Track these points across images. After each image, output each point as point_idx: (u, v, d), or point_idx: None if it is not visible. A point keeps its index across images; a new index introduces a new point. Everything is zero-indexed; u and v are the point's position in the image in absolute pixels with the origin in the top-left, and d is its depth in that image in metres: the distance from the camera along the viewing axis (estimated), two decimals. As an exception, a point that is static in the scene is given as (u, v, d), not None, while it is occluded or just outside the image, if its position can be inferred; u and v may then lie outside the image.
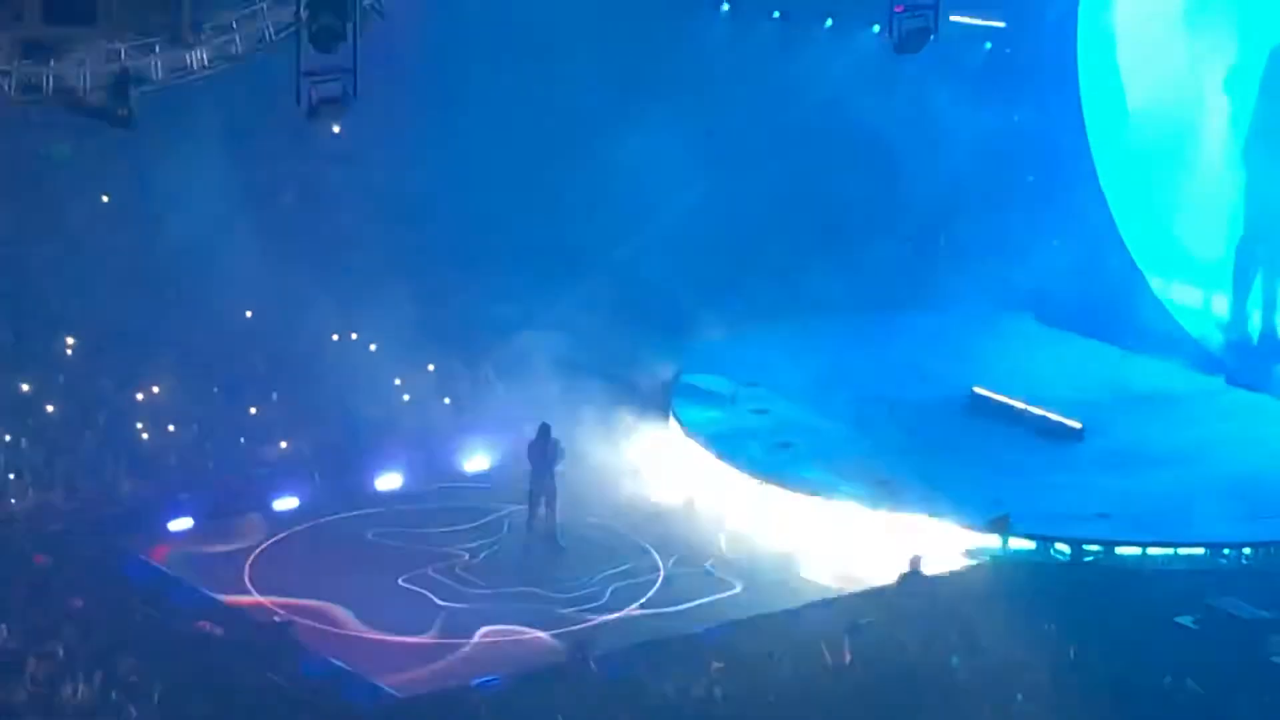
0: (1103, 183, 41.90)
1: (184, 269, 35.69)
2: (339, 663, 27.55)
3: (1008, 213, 42.10)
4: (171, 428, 34.02)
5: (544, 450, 31.99)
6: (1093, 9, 41.80)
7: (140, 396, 34.69)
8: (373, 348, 36.75)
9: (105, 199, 37.03)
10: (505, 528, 32.31)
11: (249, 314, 36.53)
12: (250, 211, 36.29)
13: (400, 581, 30.33)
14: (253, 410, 34.67)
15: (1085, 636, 28.27)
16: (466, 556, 31.25)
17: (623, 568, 31.07)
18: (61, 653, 26.22)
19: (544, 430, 32.09)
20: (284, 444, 33.97)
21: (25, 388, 34.35)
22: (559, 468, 32.02)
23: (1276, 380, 39.02)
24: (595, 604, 29.82)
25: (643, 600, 30.07)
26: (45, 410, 34.05)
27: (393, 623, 28.91)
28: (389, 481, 33.52)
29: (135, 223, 36.09)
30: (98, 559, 30.04)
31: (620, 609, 29.72)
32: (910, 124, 40.66)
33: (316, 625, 28.66)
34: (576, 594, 30.11)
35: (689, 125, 40.02)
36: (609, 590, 30.26)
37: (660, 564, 31.32)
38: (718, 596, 30.24)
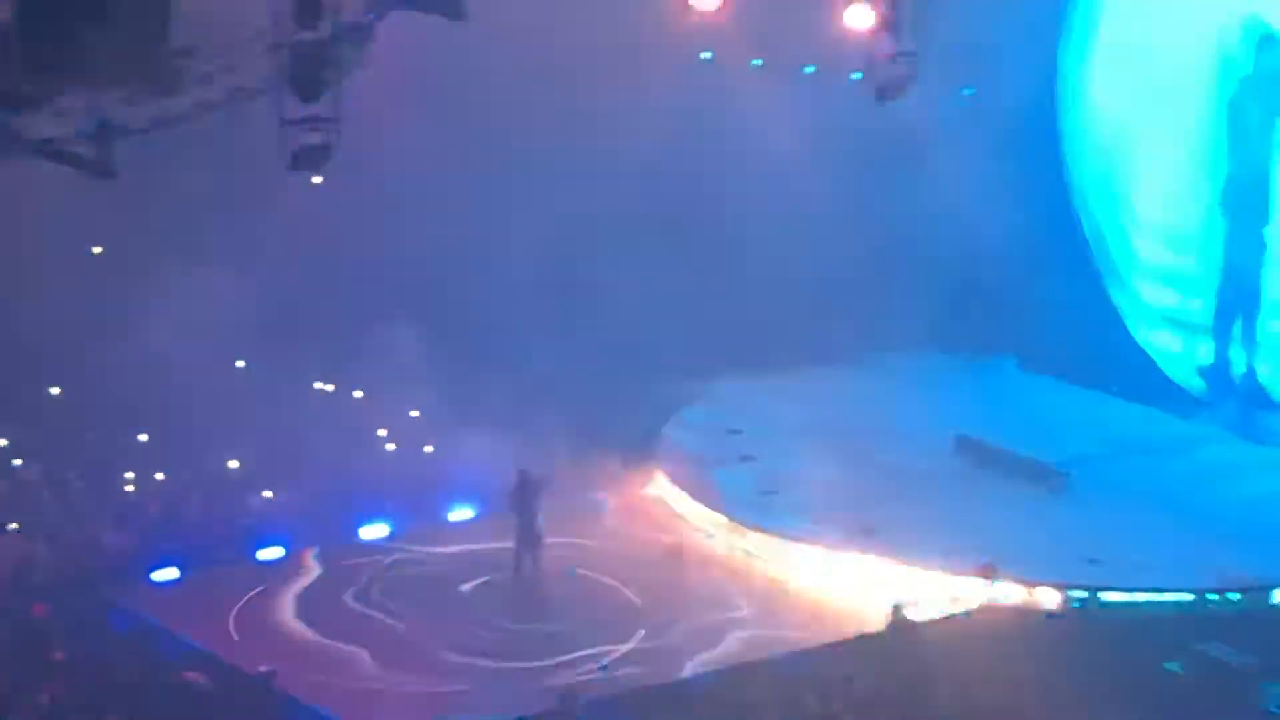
0: (1084, 228, 42.01)
1: (168, 318, 35.61)
2: (325, 712, 27.47)
3: (989, 258, 42.14)
4: (159, 476, 33.95)
5: (524, 498, 31.90)
6: (1074, 57, 41.96)
7: (124, 446, 34.61)
8: (358, 394, 36.71)
9: (97, 250, 36.98)
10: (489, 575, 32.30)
11: (240, 363, 36.48)
12: (233, 260, 36.26)
13: (387, 629, 30.29)
14: (237, 460, 34.58)
15: (1072, 683, 28.25)
16: (450, 605, 31.21)
17: (608, 615, 31.00)
18: (47, 704, 26.11)
19: (522, 477, 32.01)
20: (267, 493, 33.88)
21: (8, 437, 34.27)
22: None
23: (1258, 425, 39.04)
24: (581, 652, 29.73)
25: (628, 648, 29.99)
26: (28, 460, 33.96)
27: (377, 672, 28.84)
28: (374, 531, 33.45)
29: (119, 272, 36.04)
30: (82, 610, 29.95)
31: (606, 657, 29.63)
32: (891, 170, 40.71)
33: (301, 674, 28.58)
34: (562, 641, 30.02)
35: (672, 172, 40.07)
36: (594, 638, 30.17)
37: (646, 611, 31.24)
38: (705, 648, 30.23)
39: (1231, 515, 34.48)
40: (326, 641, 29.73)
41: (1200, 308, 40.82)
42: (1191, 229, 40.81)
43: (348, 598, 31.33)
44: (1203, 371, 40.74)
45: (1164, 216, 41.39)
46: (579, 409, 36.56)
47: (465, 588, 31.89)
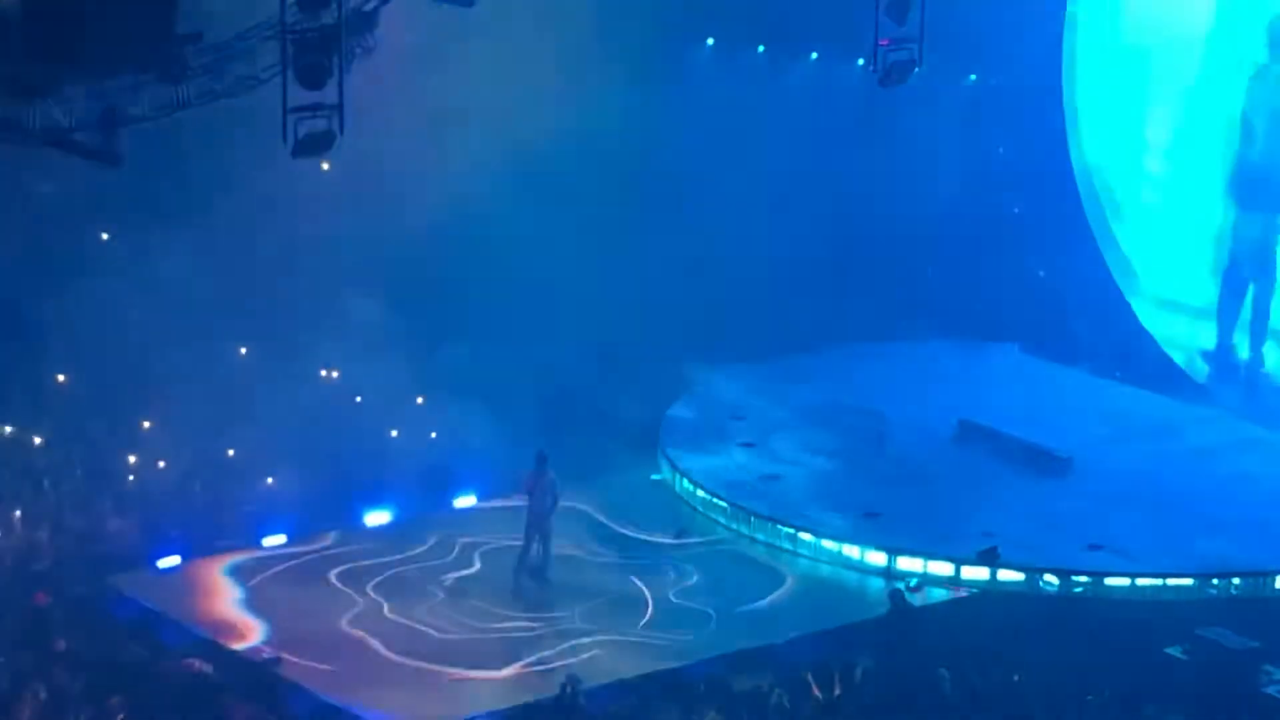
0: (1088, 214, 42.02)
1: (172, 305, 35.61)
2: (329, 699, 27.52)
3: (993, 244, 42.16)
4: (161, 464, 33.96)
5: (541, 481, 31.88)
6: (1078, 39, 41.95)
7: (128, 433, 34.62)
8: (359, 399, 36.67)
9: (105, 237, 36.92)
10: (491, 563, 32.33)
11: (243, 350, 36.47)
12: (239, 247, 36.25)
13: (387, 616, 30.33)
14: (242, 446, 34.58)
15: (1074, 668, 28.28)
16: (444, 595, 31.20)
17: (612, 601, 31.04)
18: (50, 692, 26.14)
19: (541, 459, 31.96)
20: (270, 480, 33.89)
21: (11, 424, 34.30)
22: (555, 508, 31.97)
23: (1263, 411, 39.01)
24: (584, 638, 29.77)
25: (632, 634, 30.01)
26: (32, 447, 33.98)
27: (381, 660, 28.88)
28: (378, 518, 33.49)
29: (126, 259, 36.01)
30: (86, 597, 29.98)
31: (609, 643, 29.67)
32: (896, 156, 40.70)
33: (307, 661, 28.62)
34: (565, 628, 30.07)
35: (673, 158, 40.05)
36: (597, 623, 30.22)
37: (649, 597, 31.30)
38: (706, 630, 30.25)
39: (1235, 500, 34.51)
40: (326, 629, 29.76)
41: (1204, 293, 40.83)
42: (1195, 215, 40.82)
43: (350, 586, 31.34)
44: (1207, 356, 40.77)
45: (1167, 202, 41.42)
46: (582, 395, 36.60)
47: (467, 574, 31.93)
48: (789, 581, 32.25)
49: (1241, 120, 39.94)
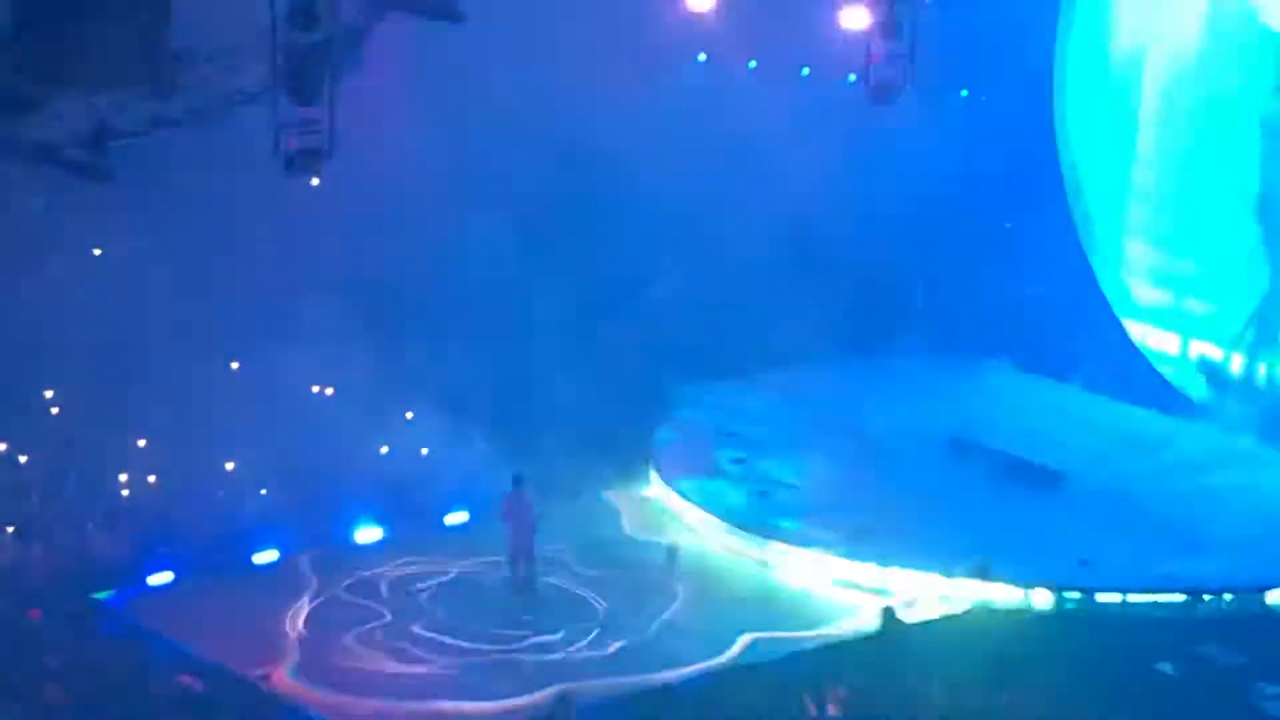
0: (1079, 230, 42.07)
1: (163, 321, 35.60)
2: (318, 716, 27.47)
3: (985, 260, 42.17)
4: (151, 479, 33.92)
5: (519, 503, 31.83)
6: (1070, 54, 42.02)
7: (119, 449, 34.58)
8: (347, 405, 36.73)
9: (97, 252, 36.91)
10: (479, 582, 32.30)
11: (234, 365, 36.45)
12: (229, 264, 36.25)
13: (379, 635, 30.29)
14: (233, 462, 34.55)
15: (1065, 684, 28.29)
16: (441, 613, 31.18)
17: (603, 619, 31.01)
18: (41, 710, 26.11)
19: (517, 482, 31.94)
20: (263, 491, 33.85)
21: (3, 440, 34.25)
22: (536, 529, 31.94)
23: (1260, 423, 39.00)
24: (575, 655, 29.74)
25: (623, 652, 29.98)
26: (23, 464, 33.93)
27: (373, 679, 28.85)
28: (368, 535, 33.45)
29: (117, 275, 36.01)
30: (77, 614, 29.92)
31: (600, 660, 29.63)
32: (887, 171, 40.71)
33: (297, 677, 28.59)
34: (556, 646, 30.03)
35: (666, 171, 40.04)
36: (589, 641, 30.19)
37: (640, 616, 31.25)
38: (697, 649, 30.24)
39: (1226, 515, 34.52)
40: (318, 644, 29.73)
41: (1201, 309, 40.85)
42: (1192, 231, 40.84)
43: (343, 600, 31.31)
44: (1202, 370, 40.78)
45: (1163, 219, 41.45)
46: (571, 412, 36.57)
47: (456, 591, 31.90)
48: (781, 597, 32.23)
49: (1262, 141, 39.89)
